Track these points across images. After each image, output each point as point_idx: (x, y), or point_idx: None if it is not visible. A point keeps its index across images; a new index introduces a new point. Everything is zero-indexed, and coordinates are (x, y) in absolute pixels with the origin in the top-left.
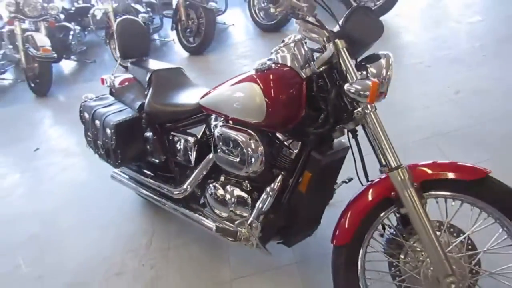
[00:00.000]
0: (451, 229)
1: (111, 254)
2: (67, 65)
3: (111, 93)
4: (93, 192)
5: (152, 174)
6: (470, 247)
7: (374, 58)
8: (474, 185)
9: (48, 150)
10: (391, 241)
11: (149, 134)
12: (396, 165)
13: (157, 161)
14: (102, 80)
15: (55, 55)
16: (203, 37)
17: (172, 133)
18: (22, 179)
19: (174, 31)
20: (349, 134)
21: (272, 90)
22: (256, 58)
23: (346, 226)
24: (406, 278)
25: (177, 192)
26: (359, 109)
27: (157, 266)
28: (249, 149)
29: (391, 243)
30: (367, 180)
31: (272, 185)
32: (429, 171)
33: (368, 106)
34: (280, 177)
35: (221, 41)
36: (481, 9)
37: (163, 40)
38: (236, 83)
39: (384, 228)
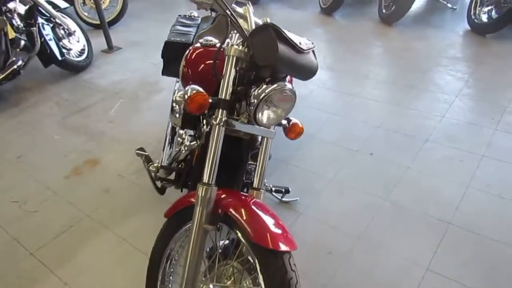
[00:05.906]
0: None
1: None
2: None
3: None
4: None
5: None
6: None
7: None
8: (262, 252)
9: None
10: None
11: None
12: (206, 182)
13: None
14: None
15: None
16: (395, 8)
17: None
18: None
19: None
20: None
21: (191, 64)
22: None
23: (173, 206)
24: None
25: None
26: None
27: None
28: (177, 104)
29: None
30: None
31: (188, 143)
32: (239, 213)
33: (215, 118)
34: (195, 141)
35: (420, 20)
36: None
37: None
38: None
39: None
